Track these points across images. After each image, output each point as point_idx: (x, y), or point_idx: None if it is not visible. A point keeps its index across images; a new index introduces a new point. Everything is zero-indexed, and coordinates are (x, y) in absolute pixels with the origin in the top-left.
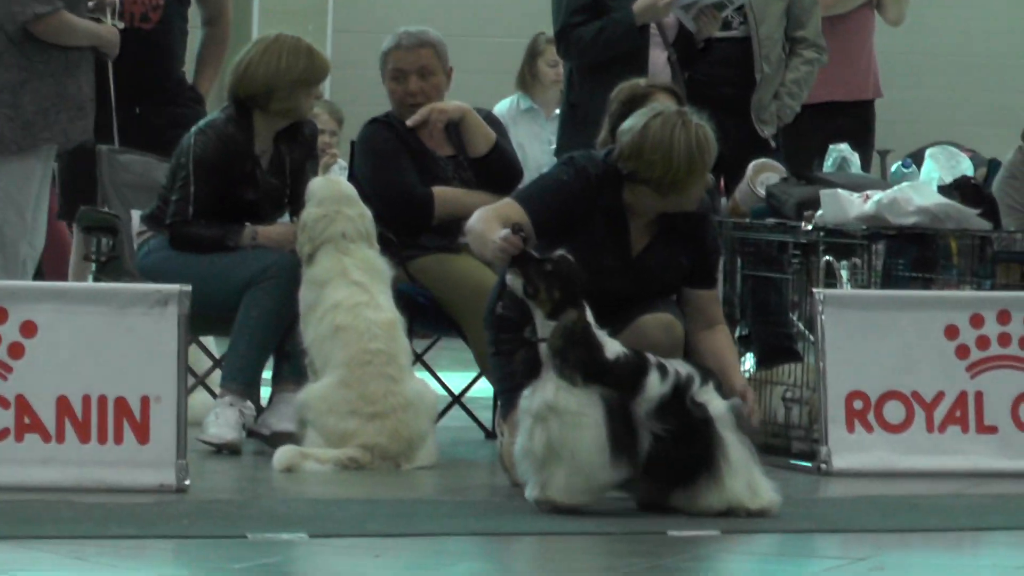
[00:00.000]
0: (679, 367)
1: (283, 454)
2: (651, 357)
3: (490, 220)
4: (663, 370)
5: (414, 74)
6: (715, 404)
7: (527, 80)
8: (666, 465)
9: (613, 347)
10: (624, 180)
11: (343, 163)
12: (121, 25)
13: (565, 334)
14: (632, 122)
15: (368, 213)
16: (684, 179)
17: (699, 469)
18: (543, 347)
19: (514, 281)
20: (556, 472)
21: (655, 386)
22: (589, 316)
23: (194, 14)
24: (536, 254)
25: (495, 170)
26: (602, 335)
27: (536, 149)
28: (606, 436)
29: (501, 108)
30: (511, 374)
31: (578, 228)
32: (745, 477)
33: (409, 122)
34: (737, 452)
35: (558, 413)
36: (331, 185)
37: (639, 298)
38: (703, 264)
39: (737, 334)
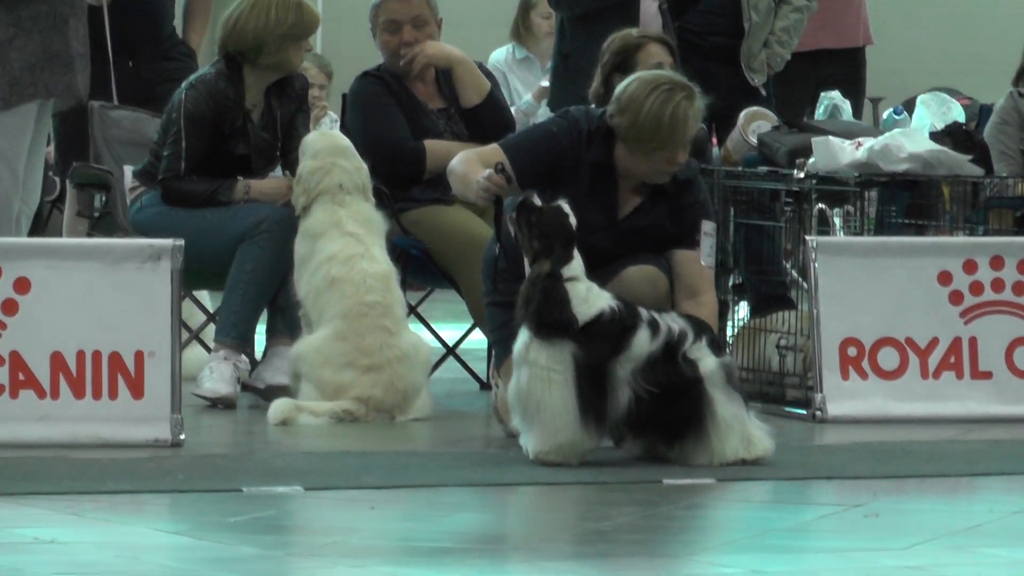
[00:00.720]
0: (671, 322)
1: (278, 407)
2: (643, 312)
3: (472, 162)
4: (654, 326)
5: (408, 24)
6: (706, 362)
7: (521, 32)
8: (651, 424)
9: (599, 301)
10: (615, 138)
11: (333, 116)
12: None
13: (528, 285)
14: (627, 80)
15: (364, 166)
16: (645, 142)
17: (686, 428)
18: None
19: (513, 228)
20: (531, 428)
21: (643, 344)
22: (572, 269)
23: None
24: (538, 201)
25: (486, 121)
26: (585, 289)
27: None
28: (574, 395)
29: (497, 57)
30: (506, 323)
31: (564, 181)
32: (738, 432)
33: (402, 63)
34: (726, 409)
35: (528, 364)
36: (327, 138)
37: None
38: (684, 222)
39: (731, 283)
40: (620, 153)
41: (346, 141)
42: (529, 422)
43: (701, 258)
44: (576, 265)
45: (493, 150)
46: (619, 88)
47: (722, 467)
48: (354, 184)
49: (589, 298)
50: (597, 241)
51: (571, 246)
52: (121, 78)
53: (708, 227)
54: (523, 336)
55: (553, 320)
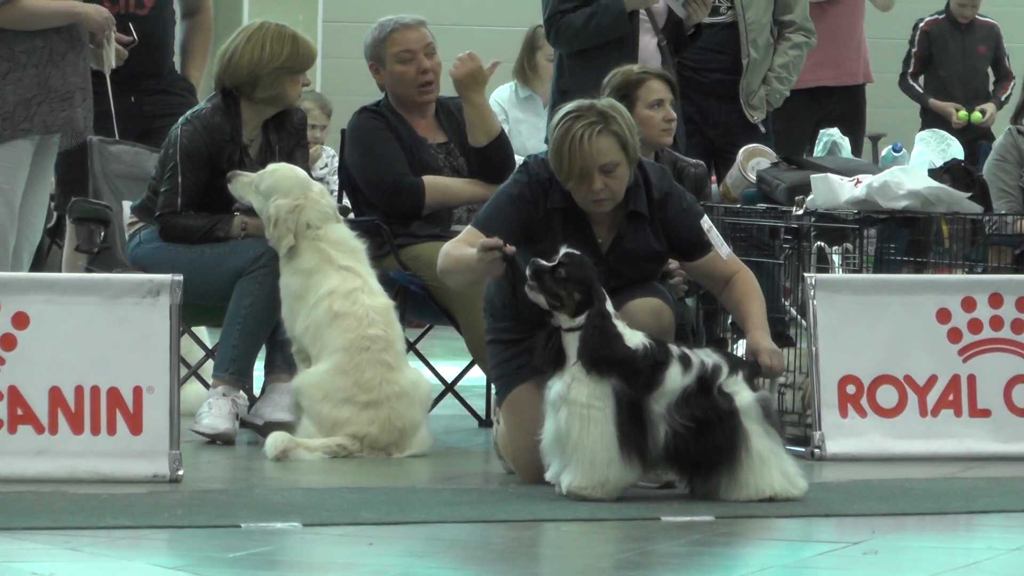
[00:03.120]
0: (705, 357)
1: (274, 441)
2: (674, 348)
3: (459, 247)
4: (686, 362)
5: (421, 51)
6: (742, 395)
7: (526, 72)
8: (687, 459)
9: (634, 338)
10: None
11: (331, 151)
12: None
13: (591, 330)
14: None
15: (324, 189)
16: (561, 176)
17: (720, 461)
18: (567, 336)
19: (535, 296)
20: (568, 463)
21: (675, 379)
22: (609, 305)
23: None
24: (546, 263)
25: (494, 162)
26: (623, 326)
27: (535, 137)
28: (614, 431)
29: (500, 96)
30: (507, 360)
31: (540, 234)
32: (775, 467)
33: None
34: (763, 443)
35: (568, 404)
36: (288, 173)
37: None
38: (684, 239)
39: (729, 320)
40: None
41: (303, 172)
42: (567, 459)
43: (721, 253)
44: (610, 304)
45: (471, 233)
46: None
47: (748, 503)
48: (324, 214)
49: (628, 335)
50: None
51: (599, 286)
52: (123, 112)
53: (706, 224)
54: (566, 377)
55: (611, 355)
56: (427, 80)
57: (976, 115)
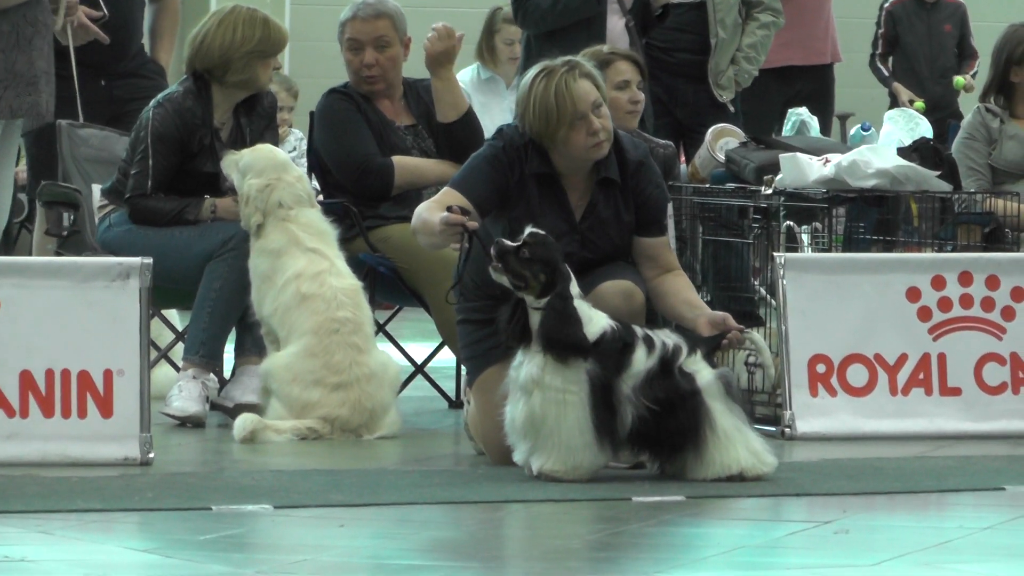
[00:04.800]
0: (666, 338)
1: (242, 423)
2: (638, 330)
3: (431, 210)
4: (649, 343)
5: (370, 45)
6: (703, 374)
7: (484, 54)
8: (651, 440)
9: (599, 322)
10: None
11: (299, 133)
12: None
13: (549, 312)
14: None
15: (303, 175)
16: (550, 132)
17: (685, 441)
18: (533, 314)
19: (499, 277)
20: (539, 446)
21: (641, 361)
22: (573, 287)
23: None
24: (510, 243)
25: (461, 139)
26: (587, 308)
27: (498, 118)
28: (589, 416)
29: (463, 78)
30: (478, 340)
31: (515, 197)
32: (740, 443)
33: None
34: (726, 420)
35: (543, 388)
36: (265, 154)
37: (593, 262)
38: (647, 212)
39: None
40: (555, 156)
41: (283, 154)
42: (541, 442)
43: (672, 241)
44: (574, 285)
45: (447, 193)
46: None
47: (717, 482)
48: (297, 197)
49: (593, 317)
50: (563, 247)
51: (564, 266)
52: (93, 97)
53: (669, 211)
54: (534, 360)
55: (570, 341)
56: (370, 74)
57: (959, 80)
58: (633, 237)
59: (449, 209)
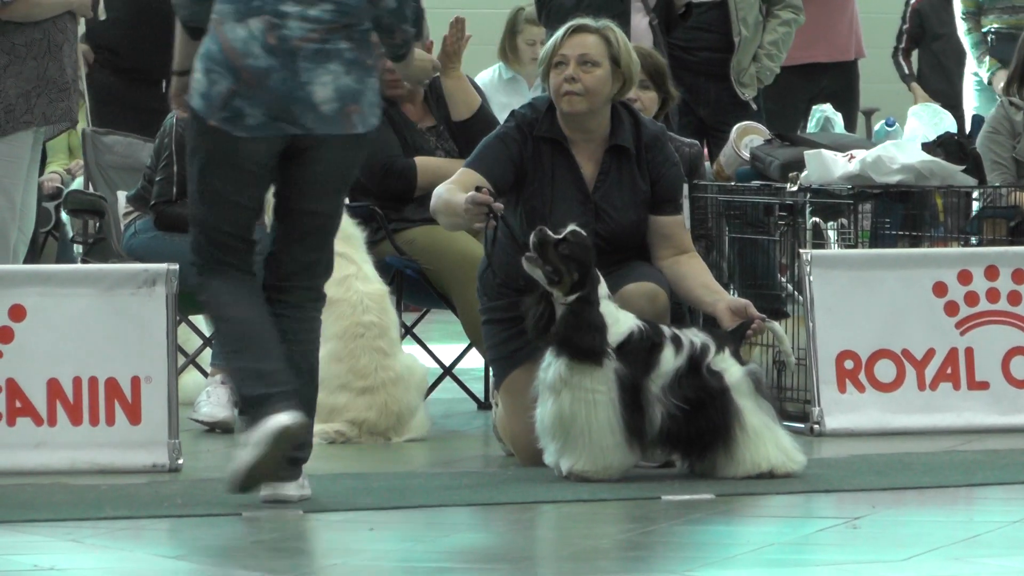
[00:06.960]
0: (693, 337)
1: None
2: (666, 330)
3: (452, 191)
4: (677, 342)
5: None
6: (732, 372)
7: (508, 54)
8: (681, 439)
9: (626, 322)
10: (555, 111)
11: None
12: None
13: (569, 315)
14: None
15: None
16: (545, 70)
17: (715, 440)
18: (559, 309)
19: (532, 269)
20: (569, 447)
21: (669, 360)
22: (602, 289)
23: None
24: (552, 235)
25: (476, 136)
26: (614, 309)
27: None
28: (619, 416)
29: (484, 79)
30: (504, 340)
31: (528, 168)
32: (770, 441)
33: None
34: (756, 419)
35: (571, 388)
36: None
37: (609, 250)
38: (663, 189)
39: None
40: (559, 118)
41: None
42: (571, 442)
43: (686, 223)
44: (603, 287)
45: (464, 173)
46: None
47: (747, 479)
48: None
49: (620, 318)
50: (577, 218)
51: (596, 270)
52: (157, 105)
53: (685, 191)
54: (561, 359)
55: (584, 346)
56: (394, 77)
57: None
58: (648, 216)
59: (478, 189)
